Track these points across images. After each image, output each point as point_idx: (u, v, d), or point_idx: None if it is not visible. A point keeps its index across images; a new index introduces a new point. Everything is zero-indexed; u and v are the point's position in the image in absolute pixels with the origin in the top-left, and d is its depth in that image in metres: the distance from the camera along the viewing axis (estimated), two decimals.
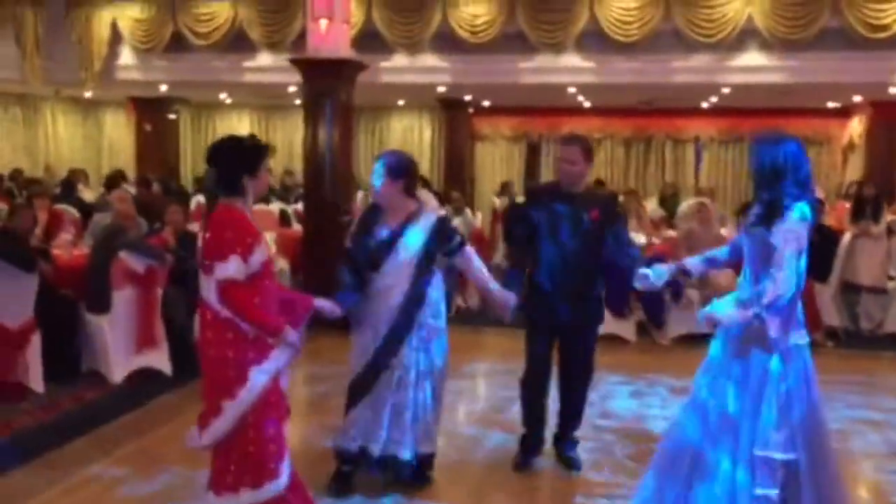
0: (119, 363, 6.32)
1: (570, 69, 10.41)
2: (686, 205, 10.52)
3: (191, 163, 17.00)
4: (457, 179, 14.25)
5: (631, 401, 6.18)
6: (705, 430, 3.61)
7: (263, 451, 3.36)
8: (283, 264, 9.09)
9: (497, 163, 16.36)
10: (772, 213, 3.47)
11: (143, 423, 5.49)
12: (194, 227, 7.69)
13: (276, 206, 11.74)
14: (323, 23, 8.35)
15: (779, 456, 3.46)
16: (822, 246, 8.20)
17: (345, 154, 8.56)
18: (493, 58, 10.40)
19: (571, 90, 11.77)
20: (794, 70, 9.86)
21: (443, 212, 6.09)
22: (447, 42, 10.55)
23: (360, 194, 13.14)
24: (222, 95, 15.73)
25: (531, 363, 4.75)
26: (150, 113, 15.27)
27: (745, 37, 9.77)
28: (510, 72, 10.50)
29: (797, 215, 3.43)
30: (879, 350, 8.01)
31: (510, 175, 16.09)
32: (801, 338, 3.55)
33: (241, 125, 17.40)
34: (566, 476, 4.73)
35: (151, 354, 6.50)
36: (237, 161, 3.39)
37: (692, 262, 3.99)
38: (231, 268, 3.25)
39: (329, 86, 8.36)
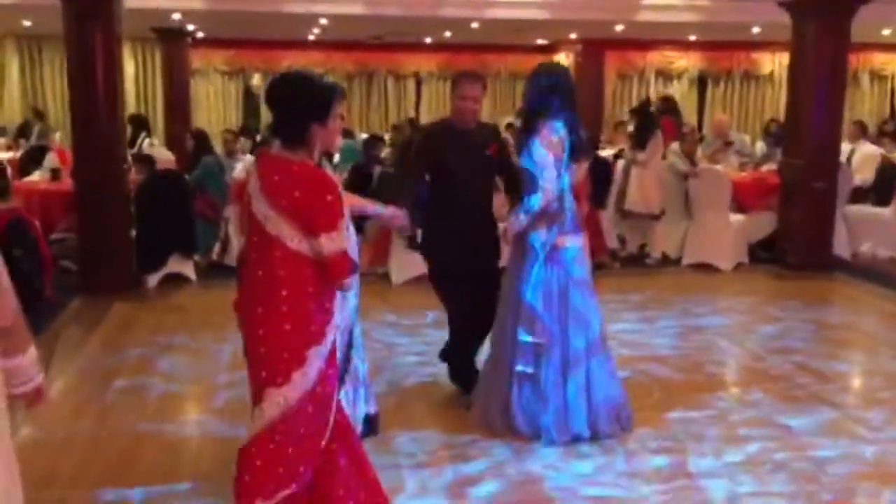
0: None
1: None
2: None
3: None
4: (179, 118, 13.01)
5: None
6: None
7: None
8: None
9: (213, 99, 15.20)
10: (532, 123, 3.98)
11: None
12: None
13: None
14: None
15: (529, 339, 4.03)
16: (597, 175, 8.73)
17: (118, 91, 7.33)
18: None
19: (323, 21, 11.24)
20: (547, 6, 10.35)
21: None
22: None
23: (57, 136, 11.48)
24: None
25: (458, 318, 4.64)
26: None
27: None
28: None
29: (552, 129, 3.93)
30: (656, 269, 8.50)
31: (227, 113, 15.13)
32: (567, 242, 4.05)
33: None
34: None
35: None
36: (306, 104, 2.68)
37: None
38: (343, 238, 2.66)
39: (96, 7, 7.06)
